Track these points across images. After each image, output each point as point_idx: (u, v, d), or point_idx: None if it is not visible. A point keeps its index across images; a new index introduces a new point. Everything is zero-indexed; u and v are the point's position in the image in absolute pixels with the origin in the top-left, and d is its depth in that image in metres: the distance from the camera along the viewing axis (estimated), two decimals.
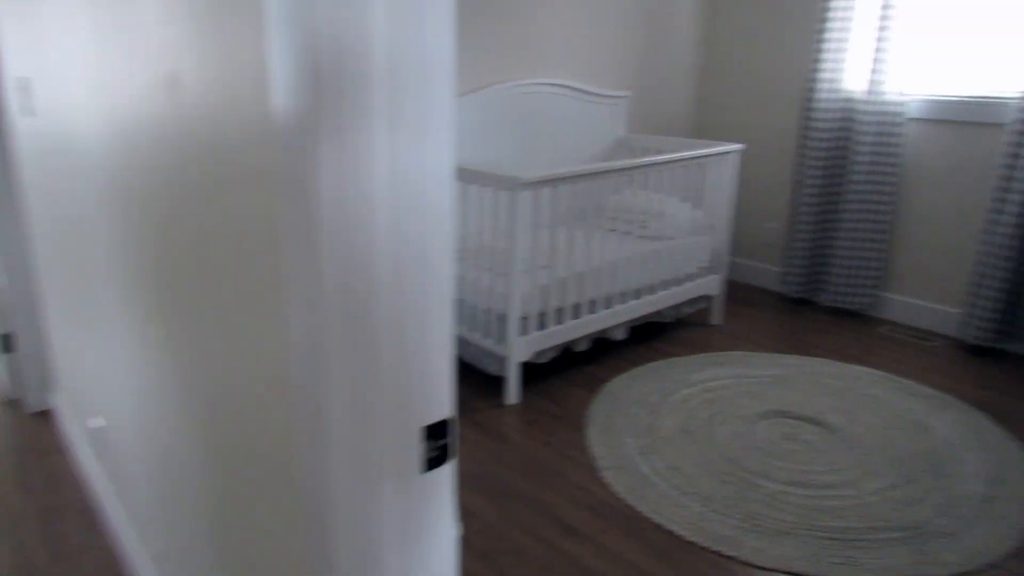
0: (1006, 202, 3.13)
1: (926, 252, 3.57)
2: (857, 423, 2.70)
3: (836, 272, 3.75)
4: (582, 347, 3.21)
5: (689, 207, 3.49)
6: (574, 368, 3.26)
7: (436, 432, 0.76)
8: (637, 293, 3.33)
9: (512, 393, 2.95)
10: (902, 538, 2.08)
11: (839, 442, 2.58)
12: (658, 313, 3.52)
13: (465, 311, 3.07)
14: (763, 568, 2.01)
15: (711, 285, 3.64)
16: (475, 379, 3.18)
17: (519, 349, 2.88)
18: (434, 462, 0.76)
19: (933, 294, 3.57)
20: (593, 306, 3.15)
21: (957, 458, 2.46)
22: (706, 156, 3.35)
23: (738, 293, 4.19)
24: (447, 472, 0.79)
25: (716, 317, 3.73)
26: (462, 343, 3.21)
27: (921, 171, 3.51)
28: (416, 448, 0.75)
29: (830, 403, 2.85)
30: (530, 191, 2.71)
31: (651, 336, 3.58)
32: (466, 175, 2.88)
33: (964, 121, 3.33)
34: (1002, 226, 3.15)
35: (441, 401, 0.76)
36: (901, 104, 3.42)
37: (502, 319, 2.90)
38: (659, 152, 3.90)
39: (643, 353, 3.39)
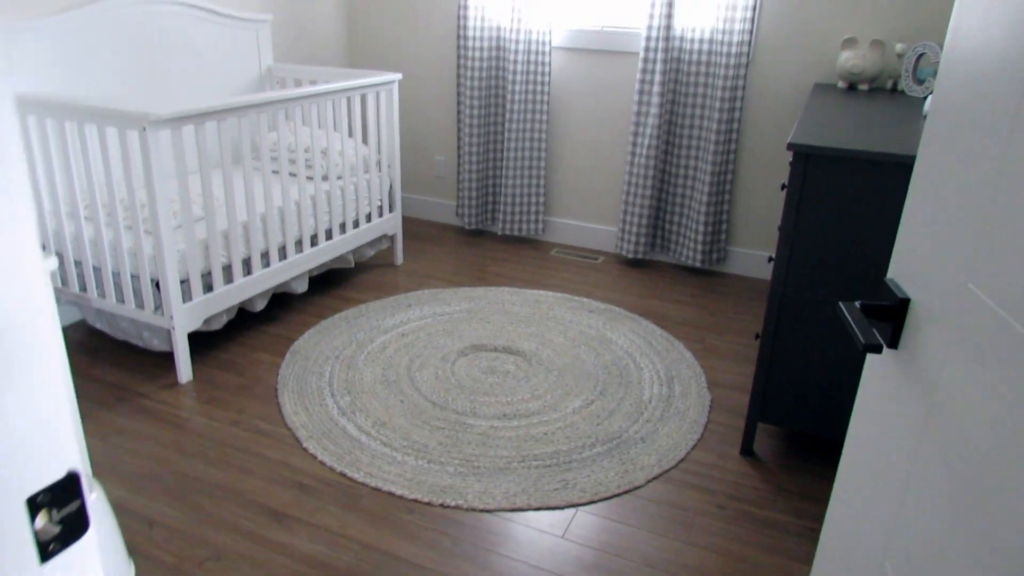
0: (641, 125, 3.42)
1: (583, 177, 3.79)
2: (548, 346, 2.77)
3: (505, 202, 3.82)
4: (260, 306, 2.83)
5: (355, 143, 3.24)
6: (254, 330, 2.87)
7: (57, 497, 0.45)
8: (313, 239, 3.02)
9: (183, 370, 2.49)
10: (606, 451, 2.17)
11: (536, 367, 2.62)
12: (339, 259, 3.26)
13: (106, 279, 2.49)
14: (489, 511, 1.94)
15: (390, 224, 3.47)
16: (136, 358, 2.63)
17: (184, 318, 2.42)
18: (59, 541, 0.45)
19: (592, 215, 3.84)
20: (266, 259, 2.78)
21: (636, 365, 2.65)
22: (364, 87, 3.11)
23: (418, 230, 4.10)
24: (86, 547, 0.49)
25: (399, 257, 3.59)
26: (109, 318, 2.62)
27: (571, 100, 3.69)
28: (22, 532, 0.43)
29: (520, 330, 2.89)
30: (168, 129, 2.23)
31: (335, 284, 3.31)
32: (77, 112, 2.28)
33: (604, 50, 3.54)
34: (640, 147, 3.44)
35: (56, 449, 0.45)
36: (546, 34, 3.53)
37: (157, 285, 2.40)
38: (313, 83, 3.56)
39: (329, 304, 3.11)
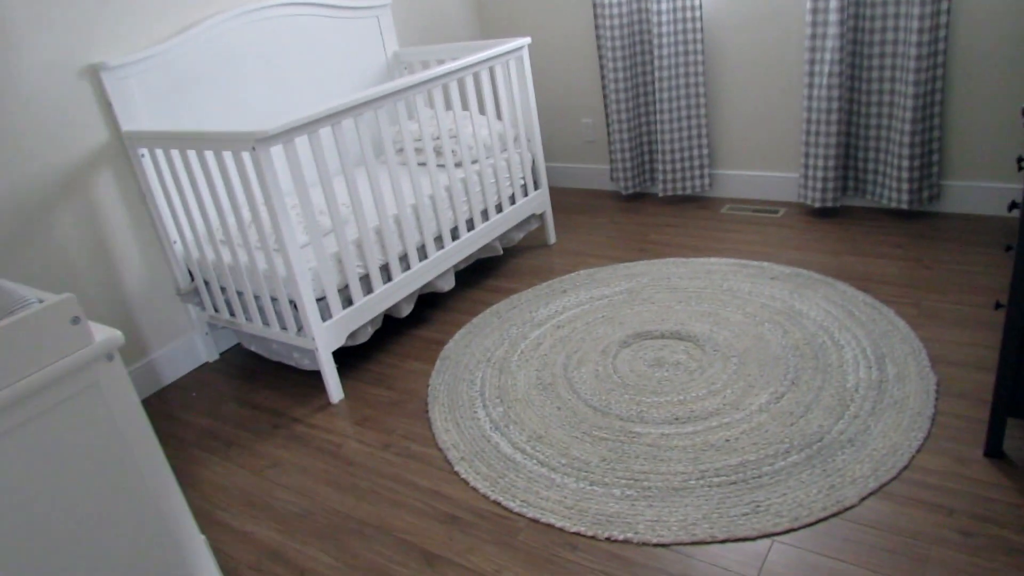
0: (819, 50, 2.85)
1: (752, 120, 3.29)
2: (723, 327, 2.38)
3: (665, 159, 3.41)
4: (406, 311, 2.69)
5: (487, 121, 2.98)
6: (403, 336, 2.74)
7: None
8: (454, 232, 2.82)
9: (333, 390, 2.40)
10: (805, 459, 1.78)
11: (711, 355, 2.25)
12: (486, 247, 3.05)
13: (250, 303, 2.45)
14: (664, 545, 1.63)
15: (537, 202, 3.20)
16: (291, 379, 2.60)
17: (326, 337, 2.32)
18: None
19: (767, 162, 3.32)
20: (405, 262, 2.62)
21: (835, 342, 2.20)
22: (488, 60, 2.83)
23: (569, 202, 3.80)
24: None
25: (551, 236, 3.32)
26: (261, 341, 2.59)
27: (728, 34, 3.18)
28: None
29: (690, 309, 2.52)
30: (280, 143, 2.09)
31: (485, 274, 3.11)
32: (189, 140, 2.21)
33: None
34: (819, 75, 2.88)
35: None
36: None
37: (295, 306, 2.31)
38: (441, 63, 3.34)
39: (480, 297, 2.92)
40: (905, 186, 2.83)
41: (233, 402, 2.53)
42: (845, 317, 2.31)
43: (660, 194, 3.51)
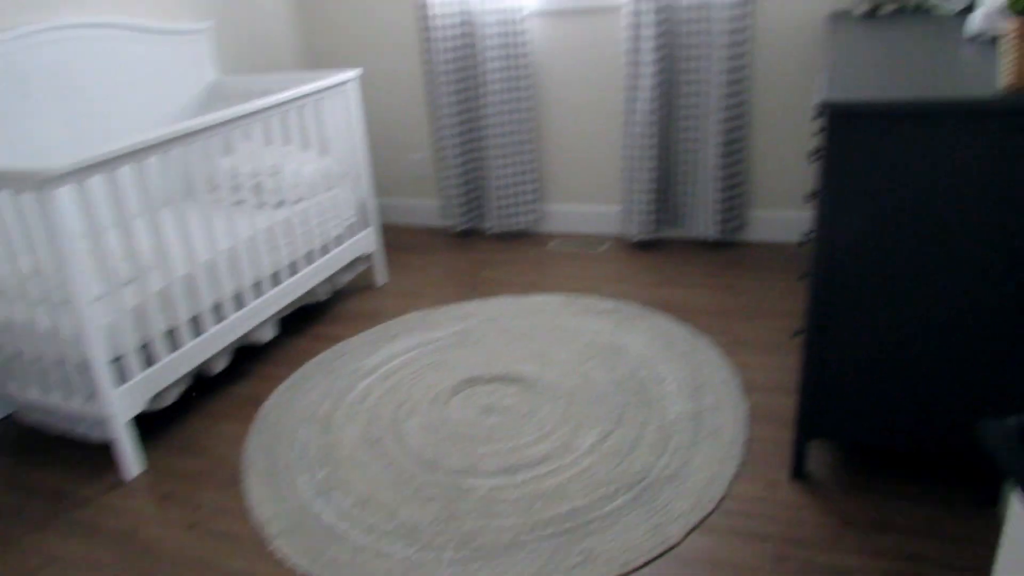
0: (636, 88, 2.98)
1: (577, 155, 3.36)
2: (552, 366, 2.38)
3: (494, 195, 3.41)
4: (220, 367, 2.47)
5: (315, 156, 2.84)
6: (216, 394, 2.51)
7: None
8: (275, 278, 2.64)
9: (130, 464, 2.14)
10: (632, 500, 1.78)
11: (540, 396, 2.23)
12: (311, 293, 2.88)
13: (29, 367, 2.14)
14: None
15: (366, 242, 3.08)
16: (78, 453, 2.29)
17: (122, 403, 2.07)
18: None
19: (592, 196, 3.41)
20: (218, 312, 2.41)
21: (657, 377, 2.25)
22: (315, 92, 2.71)
23: (400, 239, 3.70)
24: None
25: (381, 277, 3.20)
26: (39, 411, 2.28)
27: (555, 71, 3.25)
28: None
29: (520, 350, 2.50)
30: (69, 183, 1.85)
31: (309, 320, 2.94)
32: None
33: (585, 8, 3.09)
34: (638, 114, 3.00)
35: None
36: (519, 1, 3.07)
37: (84, 368, 2.04)
38: (265, 94, 3.17)
39: (304, 347, 2.75)
40: (715, 217, 2.99)
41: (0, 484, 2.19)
42: (665, 349, 2.38)
43: (490, 230, 3.50)
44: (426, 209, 3.84)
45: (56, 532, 1.97)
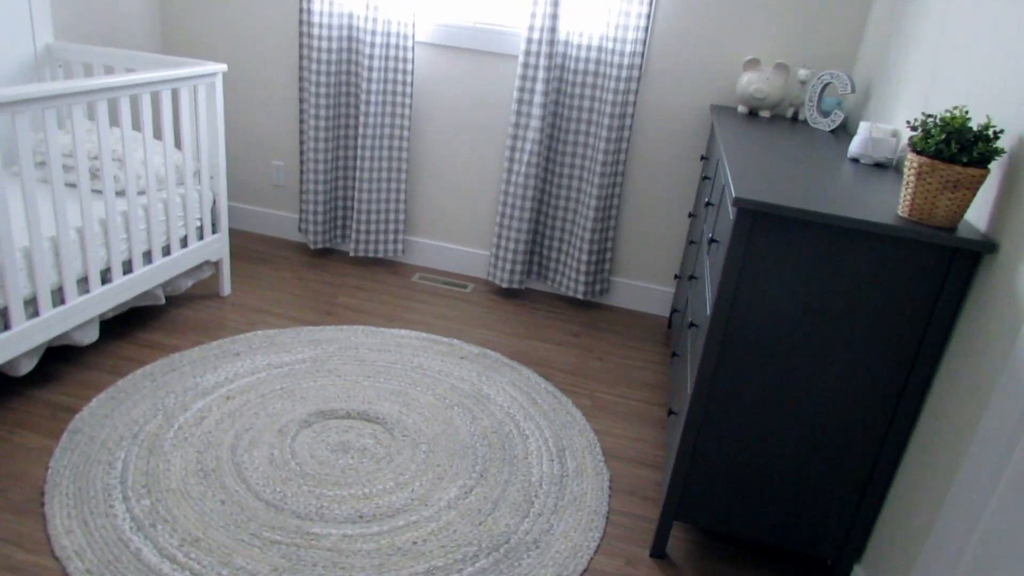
0: (520, 139, 2.99)
1: (451, 193, 3.31)
2: (413, 409, 2.27)
3: (359, 218, 3.27)
4: (25, 368, 2.12)
5: (166, 147, 2.57)
6: (17, 398, 2.15)
7: None
8: (105, 275, 2.33)
9: None
10: (493, 564, 1.71)
11: (399, 441, 2.11)
12: (144, 295, 2.58)
13: None
14: None
15: (214, 248, 2.81)
16: None
17: None
18: None
19: (461, 237, 3.37)
20: (33, 306, 2.08)
21: (521, 432, 2.21)
22: (177, 80, 2.45)
23: (250, 248, 3.44)
24: None
25: (225, 286, 2.94)
26: None
27: (438, 104, 3.19)
28: None
29: (379, 387, 2.37)
30: None
31: (138, 326, 2.62)
32: None
33: (479, 50, 3.07)
34: (518, 163, 3.02)
35: None
36: (408, 26, 3.00)
37: None
38: (109, 71, 2.84)
39: (130, 354, 2.44)
40: (582, 277, 3.05)
41: None
42: (529, 405, 2.36)
43: (351, 253, 3.34)
44: (283, 221, 3.60)
45: None
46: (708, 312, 1.64)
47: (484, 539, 1.78)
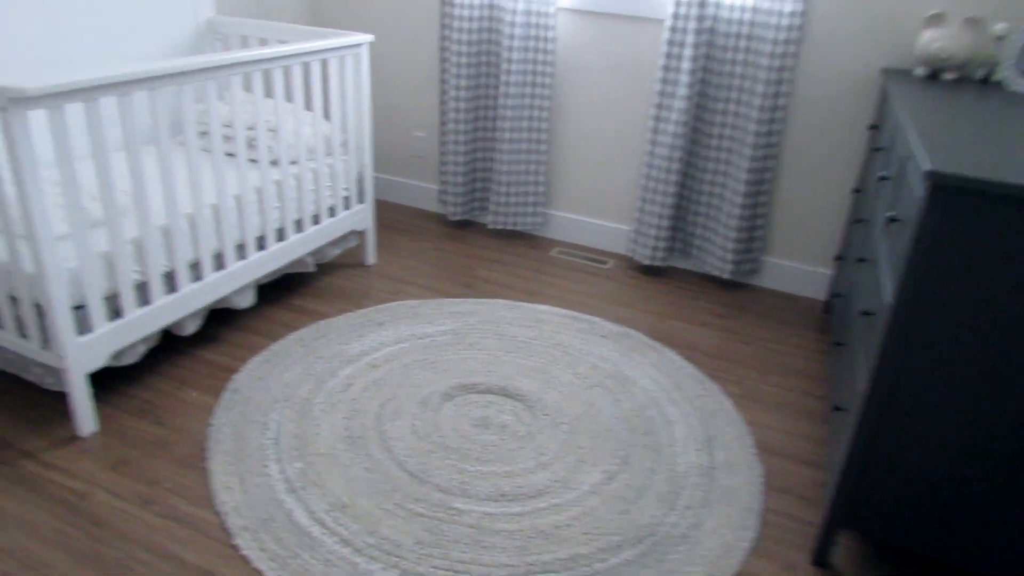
0: (665, 108, 2.84)
1: (592, 165, 3.21)
2: (554, 386, 2.22)
3: (499, 189, 3.24)
4: (191, 328, 2.24)
5: (315, 119, 2.62)
6: (184, 356, 2.28)
7: None
8: (260, 242, 2.42)
9: (84, 420, 1.90)
10: (639, 556, 1.64)
11: (540, 419, 2.07)
12: (295, 263, 2.67)
13: None
14: None
15: (359, 219, 2.87)
16: (28, 396, 2.05)
17: (81, 356, 1.83)
18: None
19: (602, 211, 3.27)
20: (196, 270, 2.18)
21: (665, 418, 2.12)
22: (327, 51, 2.48)
23: (391, 218, 3.50)
24: None
25: (371, 256, 3.00)
26: None
27: (580, 72, 3.09)
28: None
29: (519, 363, 2.34)
30: (43, 108, 1.61)
31: (291, 291, 2.72)
32: None
33: (623, 15, 2.93)
34: (663, 133, 2.87)
35: None
36: None
37: (41, 312, 1.80)
38: (263, 43, 2.92)
39: (283, 319, 2.53)
40: (729, 256, 2.88)
41: None
42: (673, 389, 2.25)
43: (490, 225, 3.33)
44: (423, 192, 3.64)
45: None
46: (889, 300, 1.47)
47: (628, 529, 1.71)
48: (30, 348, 1.85)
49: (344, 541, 1.63)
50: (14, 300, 1.84)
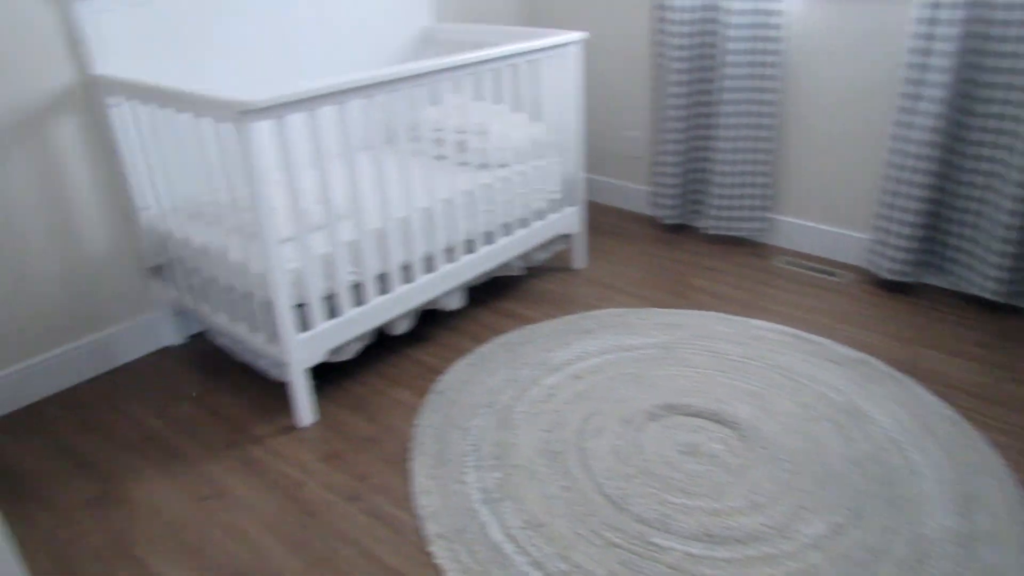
0: (917, 98, 2.44)
1: (824, 164, 2.88)
2: (772, 415, 1.99)
3: (716, 192, 3.01)
4: (402, 328, 2.30)
5: (525, 120, 2.58)
6: (395, 356, 2.35)
7: None
8: (469, 246, 2.43)
9: (303, 411, 2.02)
10: None
11: (755, 452, 1.86)
12: (504, 266, 2.66)
13: (221, 294, 2.07)
14: None
15: (569, 221, 2.80)
16: (258, 385, 2.23)
17: (301, 352, 1.94)
18: None
19: (835, 215, 2.92)
20: (407, 272, 2.23)
21: (910, 466, 1.81)
22: (537, 51, 2.42)
23: (601, 220, 3.40)
24: None
25: (579, 260, 2.92)
26: (226, 337, 2.22)
27: (811, 60, 2.77)
28: None
29: (733, 384, 2.13)
30: (268, 119, 1.70)
31: (498, 295, 2.72)
32: (164, 97, 1.82)
33: None
34: (914, 130, 2.47)
35: None
36: None
37: (268, 308, 1.92)
38: (478, 47, 2.94)
39: (490, 321, 2.53)
40: (995, 273, 2.43)
41: (188, 401, 2.15)
42: (921, 431, 1.92)
43: (706, 230, 3.11)
44: (634, 194, 3.50)
45: (228, 464, 1.90)
46: None
47: None
48: (259, 341, 1.98)
49: (536, 563, 1.56)
50: (247, 297, 1.98)
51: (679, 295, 2.68)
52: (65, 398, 2.20)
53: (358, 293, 2.08)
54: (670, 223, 3.29)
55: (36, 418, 2.11)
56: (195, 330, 2.52)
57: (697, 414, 2.01)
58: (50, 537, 1.69)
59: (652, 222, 3.38)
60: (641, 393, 2.10)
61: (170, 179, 2.17)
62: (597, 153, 3.57)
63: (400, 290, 2.17)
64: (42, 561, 1.62)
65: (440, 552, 1.60)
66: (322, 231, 2.03)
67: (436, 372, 2.25)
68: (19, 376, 2.14)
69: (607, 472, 1.81)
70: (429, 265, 2.29)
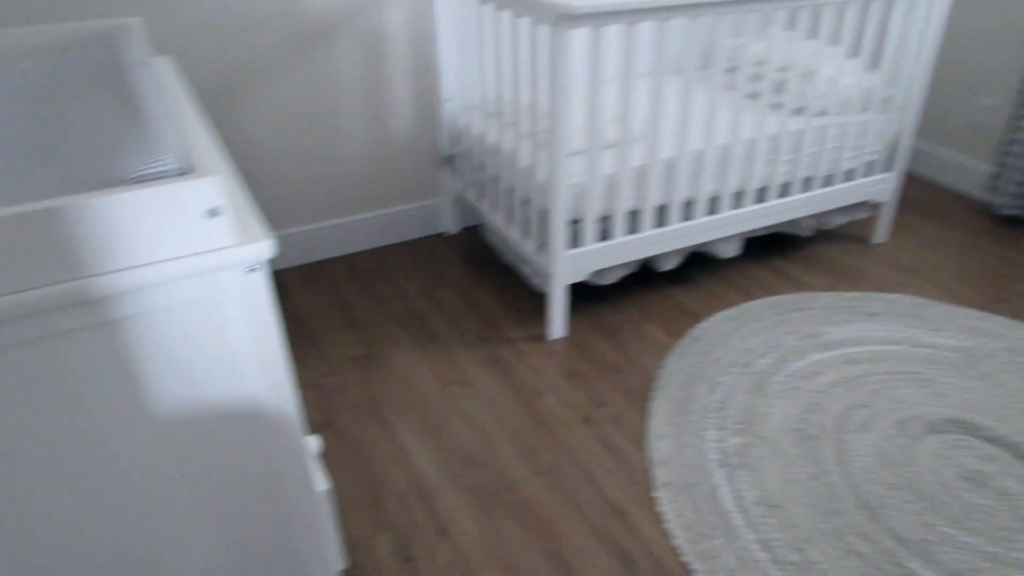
0: None
1: None
2: None
3: None
4: (668, 265, 2.21)
5: (859, 67, 2.26)
6: (654, 291, 2.28)
7: None
8: (761, 193, 2.23)
9: (556, 325, 2.04)
10: None
11: None
12: (791, 223, 2.43)
13: (501, 194, 2.12)
14: None
15: (880, 188, 2.46)
16: (517, 289, 2.30)
17: (566, 267, 1.94)
18: None
19: None
20: (688, 210, 2.11)
21: None
22: None
23: (920, 195, 2.96)
24: None
25: (881, 234, 2.58)
26: (498, 237, 2.29)
27: None
28: None
29: None
30: (585, 26, 1.64)
31: (776, 251, 2.51)
32: None
33: None
34: None
35: None
36: None
37: (543, 218, 1.93)
38: None
39: (761, 278, 2.35)
40: None
41: (452, 288, 2.28)
42: None
43: None
44: (969, 172, 2.98)
45: (478, 357, 2.00)
46: None
47: None
48: (529, 247, 2.01)
49: (765, 545, 1.44)
50: (525, 203, 2.01)
51: (998, 299, 2.27)
52: (348, 261, 2.44)
53: (633, 220, 2.02)
54: (1009, 214, 2.77)
55: (323, 274, 2.37)
56: (470, 223, 2.64)
57: (992, 440, 1.70)
58: (320, 382, 1.90)
59: (984, 209, 2.87)
60: (926, 399, 1.82)
61: (476, 76, 2.23)
62: (934, 117, 3.08)
63: (677, 226, 2.06)
64: (309, 399, 1.83)
65: (665, 500, 1.54)
66: (613, 151, 1.98)
67: (694, 318, 2.15)
68: (316, 233, 2.40)
69: (866, 474, 1.60)
70: (713, 206, 2.15)
